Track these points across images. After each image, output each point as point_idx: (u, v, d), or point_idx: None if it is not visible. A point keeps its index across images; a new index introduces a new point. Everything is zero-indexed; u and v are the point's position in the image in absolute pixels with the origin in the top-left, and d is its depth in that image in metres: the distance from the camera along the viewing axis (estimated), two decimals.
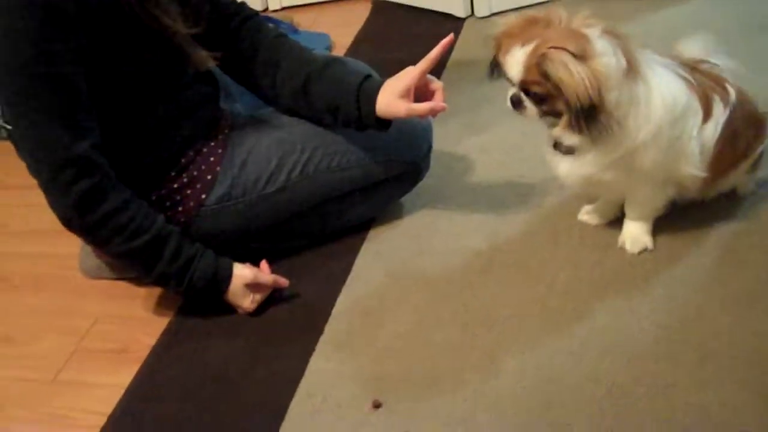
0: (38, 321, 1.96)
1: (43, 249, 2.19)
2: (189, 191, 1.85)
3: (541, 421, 1.51)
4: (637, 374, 1.57)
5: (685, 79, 1.72)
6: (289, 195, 1.91)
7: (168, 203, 1.83)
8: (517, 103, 1.70)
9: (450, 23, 3.05)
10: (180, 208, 1.84)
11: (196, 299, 1.83)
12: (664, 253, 1.85)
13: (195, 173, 1.85)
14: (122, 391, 1.72)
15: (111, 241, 1.72)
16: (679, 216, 1.90)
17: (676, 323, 1.67)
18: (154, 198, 1.82)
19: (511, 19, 1.70)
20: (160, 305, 1.93)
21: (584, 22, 1.64)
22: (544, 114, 1.70)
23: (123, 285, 2.01)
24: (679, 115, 1.69)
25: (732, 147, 1.79)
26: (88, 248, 2.00)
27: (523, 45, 1.63)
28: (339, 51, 2.95)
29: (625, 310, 1.72)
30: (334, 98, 1.86)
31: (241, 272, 1.81)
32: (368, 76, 1.87)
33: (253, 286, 1.82)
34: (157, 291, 1.95)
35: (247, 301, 1.83)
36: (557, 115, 1.68)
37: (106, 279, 2.03)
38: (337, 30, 3.12)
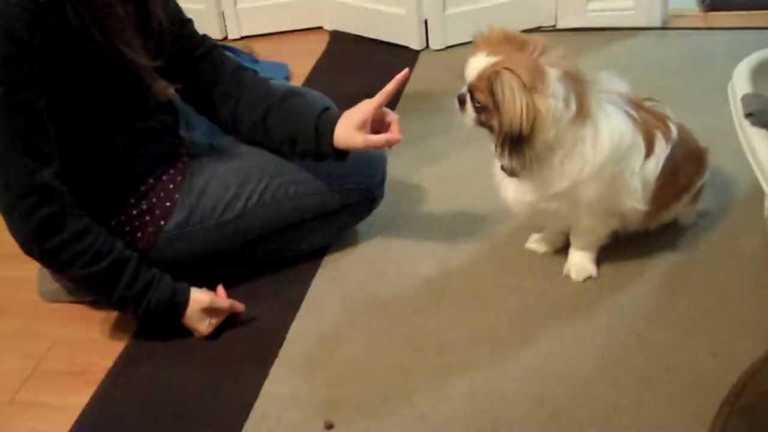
0: None
1: (0, 272, 2.20)
2: (148, 217, 1.88)
3: None
4: (580, 398, 1.63)
5: (631, 117, 1.80)
6: (246, 222, 1.96)
7: (127, 229, 1.87)
8: (461, 102, 1.77)
9: (406, 54, 3.13)
10: (139, 234, 1.88)
11: (153, 322, 1.86)
12: (607, 282, 1.92)
13: (154, 200, 1.89)
14: (79, 412, 1.74)
15: (71, 266, 1.75)
16: (623, 246, 1.97)
17: (618, 349, 1.74)
18: (113, 224, 1.85)
19: (497, 28, 1.75)
20: (117, 328, 1.95)
21: (554, 59, 1.71)
22: (479, 123, 1.76)
23: (80, 308, 2.03)
24: (623, 153, 1.77)
25: (673, 181, 1.87)
26: (46, 272, 2.02)
27: (488, 55, 1.70)
28: (297, 80, 3.01)
29: (569, 336, 1.78)
30: (292, 130, 1.92)
31: (198, 297, 1.85)
32: (326, 109, 1.93)
33: (209, 311, 1.86)
34: (114, 314, 1.98)
35: (204, 325, 1.86)
36: (491, 129, 1.75)
37: (63, 302, 2.04)
38: (296, 60, 3.17)
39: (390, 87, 1.88)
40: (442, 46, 3.14)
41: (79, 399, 1.77)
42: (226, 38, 3.42)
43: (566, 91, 1.69)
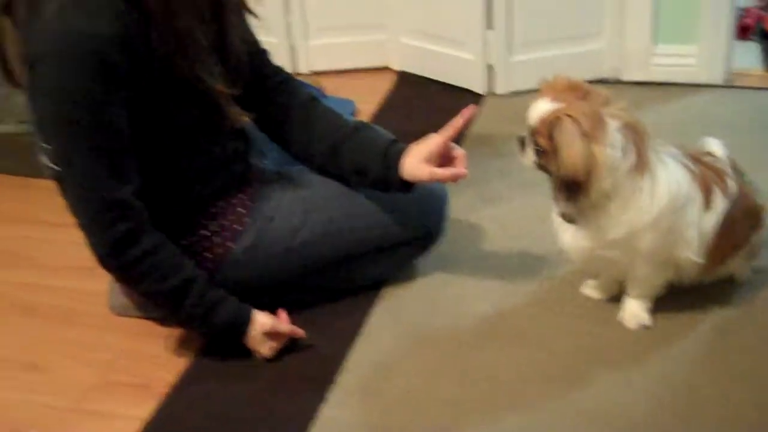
0: (65, 351, 2.05)
1: (74, 284, 2.29)
2: (217, 239, 1.96)
3: None
4: None
5: (689, 170, 1.85)
6: (310, 250, 2.02)
7: (197, 249, 1.94)
8: (522, 144, 1.84)
9: (470, 98, 3.17)
10: (208, 255, 1.95)
11: (217, 341, 1.94)
12: (660, 331, 1.95)
13: (224, 223, 1.97)
14: (141, 424, 1.80)
15: (142, 281, 1.83)
16: (678, 297, 2.00)
17: (668, 396, 1.77)
18: (184, 243, 1.92)
19: (562, 76, 1.81)
20: (182, 345, 2.02)
21: (615, 110, 1.77)
22: (538, 166, 1.83)
23: (148, 324, 2.10)
24: (681, 204, 1.81)
25: (730, 236, 1.91)
26: (117, 286, 2.10)
27: (551, 100, 1.76)
28: (363, 118, 3.06)
29: (620, 381, 1.82)
30: (362, 160, 1.99)
31: (261, 320, 1.91)
32: (394, 141, 2.00)
33: (271, 334, 1.93)
34: (179, 331, 2.05)
35: (265, 348, 1.93)
36: (549, 173, 1.80)
37: (132, 317, 2.13)
38: (362, 97, 3.25)
39: (458, 121, 1.94)
40: (506, 92, 3.20)
41: (142, 411, 1.84)
42: (295, 73, 3.51)
43: (625, 142, 1.74)
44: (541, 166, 1.82)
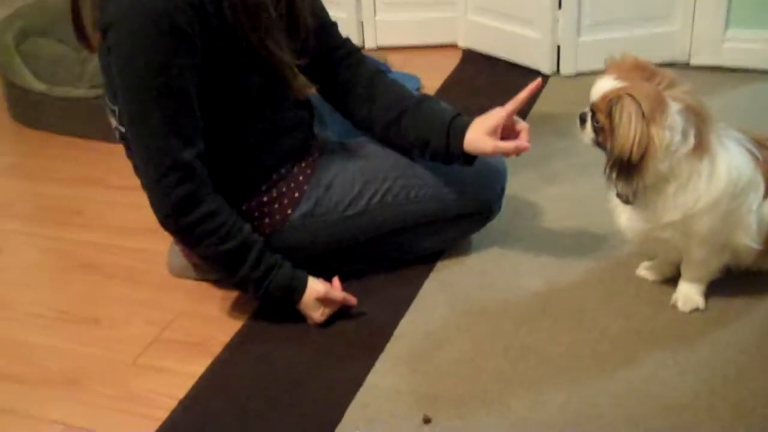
0: (125, 308, 2.12)
1: (136, 245, 2.36)
2: (276, 205, 1.99)
3: None
4: (674, 423, 1.66)
5: (753, 155, 1.82)
6: (366, 220, 2.05)
7: (256, 214, 1.98)
8: (582, 120, 1.84)
9: (536, 78, 3.16)
10: (266, 221, 1.99)
11: (271, 305, 1.98)
12: (713, 315, 1.93)
13: (284, 189, 2.00)
14: (195, 380, 1.85)
15: (200, 243, 1.87)
16: (733, 282, 1.98)
17: (718, 380, 1.75)
18: (243, 208, 1.96)
19: (630, 55, 1.81)
20: (237, 307, 2.07)
21: (679, 93, 1.75)
22: (595, 143, 1.82)
23: (205, 285, 2.16)
24: (741, 189, 1.79)
25: None
26: (177, 249, 2.16)
27: (615, 78, 1.76)
28: (428, 93, 3.08)
29: (670, 363, 1.81)
30: (425, 132, 2.00)
31: (315, 286, 1.94)
32: (459, 114, 2.01)
33: (324, 301, 1.96)
34: (234, 294, 2.10)
35: (317, 313, 1.96)
36: (604, 150, 1.80)
37: (190, 279, 2.18)
38: (427, 74, 3.26)
39: (523, 94, 1.94)
40: (573, 73, 3.18)
41: (196, 368, 1.89)
42: (362, 47, 3.54)
43: (686, 125, 1.72)
44: (599, 144, 1.81)
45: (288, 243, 2.01)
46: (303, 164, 2.03)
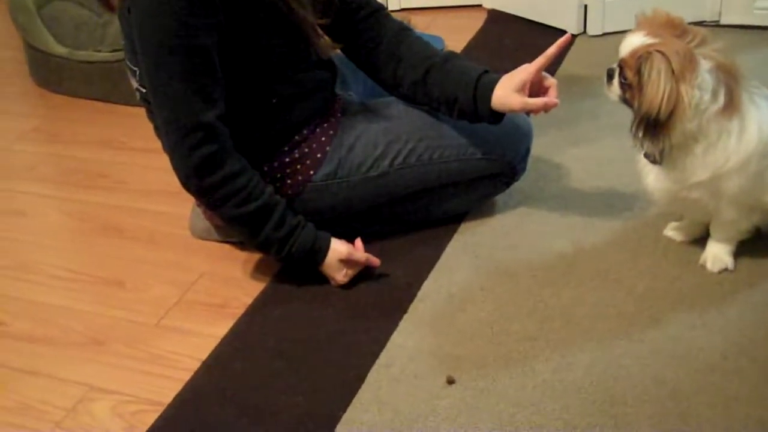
0: (148, 271, 2.12)
1: (158, 207, 2.35)
2: (299, 166, 1.97)
3: (605, 414, 1.59)
4: (701, 384, 1.64)
5: None
6: (389, 180, 2.03)
7: (278, 175, 1.96)
8: (610, 76, 1.80)
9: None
10: (288, 182, 1.97)
11: (294, 266, 1.96)
12: (742, 276, 1.90)
13: (306, 150, 1.98)
14: (217, 342, 1.85)
15: (224, 204, 1.85)
16: (763, 244, 1.95)
17: (746, 342, 1.73)
18: (265, 169, 1.95)
19: (662, 11, 1.77)
20: (259, 269, 2.06)
21: (710, 51, 1.71)
22: (622, 99, 1.79)
23: (227, 248, 2.15)
24: None
25: None
26: (199, 211, 2.15)
27: (646, 35, 1.72)
28: None
29: (698, 323, 1.78)
30: (452, 90, 1.97)
31: (338, 247, 1.93)
32: (486, 71, 1.97)
33: (347, 262, 1.94)
34: (256, 256, 2.09)
35: (340, 275, 1.95)
36: (631, 107, 1.76)
37: (212, 240, 2.18)
38: (452, 35, 3.20)
39: (552, 50, 1.90)
40: (600, 33, 3.13)
41: (219, 329, 1.88)
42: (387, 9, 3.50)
43: (716, 83, 1.68)
44: (626, 101, 1.78)
45: (310, 205, 1.99)
46: (325, 125, 2.01)
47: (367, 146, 2.01)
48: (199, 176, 1.82)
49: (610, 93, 1.80)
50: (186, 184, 1.86)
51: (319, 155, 1.99)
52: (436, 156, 2.04)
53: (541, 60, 1.90)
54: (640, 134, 1.73)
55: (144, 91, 1.88)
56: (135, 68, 1.90)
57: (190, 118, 1.78)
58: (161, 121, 1.82)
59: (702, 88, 1.67)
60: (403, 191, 2.06)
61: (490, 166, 2.09)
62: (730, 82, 1.71)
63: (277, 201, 1.89)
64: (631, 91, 1.74)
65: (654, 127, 1.69)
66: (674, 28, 1.74)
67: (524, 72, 1.90)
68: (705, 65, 1.68)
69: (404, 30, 2.09)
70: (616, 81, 1.77)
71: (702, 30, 1.75)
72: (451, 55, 2.06)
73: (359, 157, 2.00)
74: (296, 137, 1.97)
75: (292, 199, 1.98)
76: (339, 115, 2.05)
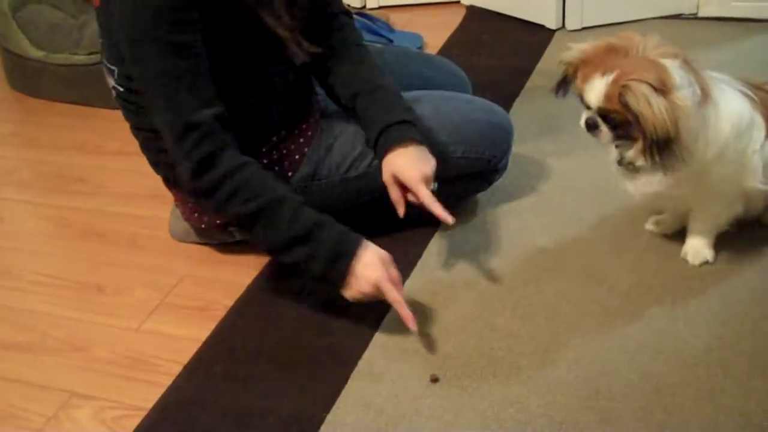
0: (128, 275, 2.09)
1: (137, 211, 2.33)
2: (276, 168, 1.96)
3: (590, 410, 1.58)
4: (687, 378, 1.64)
5: (749, 97, 1.79)
6: (369, 181, 2.01)
7: None
8: (592, 127, 1.77)
9: (541, 33, 3.13)
10: None
11: (318, 270, 1.75)
12: (724, 268, 1.91)
13: (284, 151, 1.97)
14: (199, 345, 1.83)
15: (229, 202, 1.75)
16: (742, 234, 1.95)
17: (730, 334, 1.73)
18: None
19: (588, 45, 1.75)
20: (240, 271, 2.05)
21: (660, 51, 1.70)
22: (617, 138, 1.76)
23: (208, 250, 2.14)
24: (743, 130, 1.76)
25: None
26: (178, 213, 2.13)
27: (603, 74, 1.68)
28: (431, 52, 3.05)
29: (681, 317, 1.78)
30: (365, 123, 1.96)
31: (375, 247, 1.77)
32: (404, 121, 1.91)
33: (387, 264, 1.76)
34: (238, 257, 2.08)
35: (379, 272, 1.72)
36: (631, 139, 1.74)
37: (192, 243, 2.16)
38: (431, 32, 3.22)
39: (432, 208, 1.84)
40: (578, 27, 3.12)
41: (200, 333, 1.87)
42: (364, 6, 3.49)
43: (688, 77, 1.68)
44: (622, 137, 1.75)
45: None
46: (303, 126, 2.00)
47: (346, 147, 2.00)
48: (198, 175, 1.74)
49: (601, 140, 1.78)
50: (189, 187, 1.79)
51: (297, 156, 1.97)
52: None
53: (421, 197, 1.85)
54: (657, 157, 1.69)
55: (121, 89, 1.87)
56: (113, 67, 1.88)
57: (185, 118, 1.73)
58: (159, 122, 1.78)
59: (684, 86, 1.66)
60: (381, 192, 2.04)
61: (471, 165, 2.08)
62: (695, 72, 1.71)
63: (290, 197, 1.77)
64: (625, 127, 1.72)
65: (666, 143, 1.67)
66: (613, 51, 1.72)
67: (427, 174, 1.86)
68: (672, 64, 1.67)
69: (358, 46, 2.05)
70: (604, 128, 1.75)
71: (629, 33, 1.74)
72: (385, 85, 1.99)
73: (337, 158, 1.99)
74: (274, 138, 1.96)
75: None
76: (318, 116, 2.04)
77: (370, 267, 1.72)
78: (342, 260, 1.72)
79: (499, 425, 1.58)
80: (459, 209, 2.15)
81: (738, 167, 1.78)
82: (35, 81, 3.03)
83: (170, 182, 2.03)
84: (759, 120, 1.78)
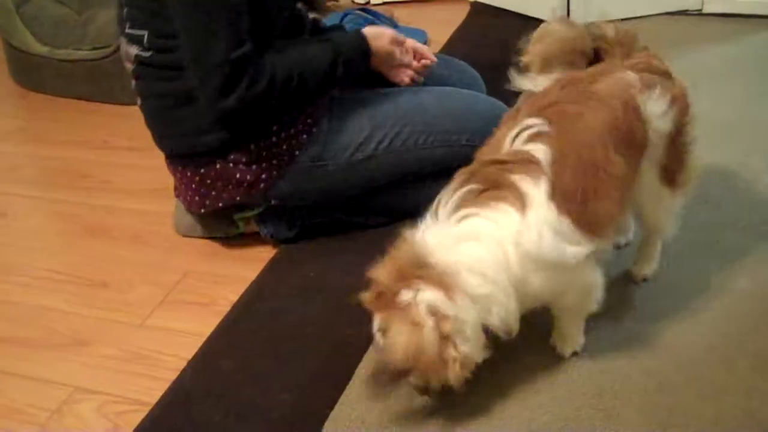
0: (132, 270, 2.10)
1: (142, 206, 2.34)
2: (285, 146, 1.98)
3: (593, 407, 1.58)
4: (690, 375, 1.63)
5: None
6: (374, 165, 2.04)
7: (264, 154, 1.97)
8: None
9: None
10: (275, 162, 1.98)
11: (359, 64, 2.04)
12: (729, 267, 1.90)
13: (292, 131, 1.99)
14: (203, 340, 1.84)
15: (283, 93, 1.90)
16: (742, 235, 1.95)
17: (734, 332, 1.73)
18: (253, 148, 1.96)
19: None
20: (244, 266, 2.05)
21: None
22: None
23: (212, 245, 2.14)
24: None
25: None
26: (182, 207, 2.14)
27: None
28: (435, 47, 3.04)
29: (686, 315, 1.78)
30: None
31: (377, 29, 2.10)
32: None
33: (396, 42, 2.10)
34: (242, 253, 2.09)
35: (398, 51, 2.10)
36: None
37: (197, 237, 2.16)
38: (435, 28, 3.21)
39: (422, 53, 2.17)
40: (583, 23, 3.12)
41: (205, 328, 1.87)
42: (368, 2, 3.49)
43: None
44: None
45: (296, 186, 2.01)
46: (313, 108, 2.02)
47: (353, 130, 2.03)
48: (244, 106, 1.86)
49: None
50: (233, 113, 1.87)
51: (305, 136, 2.00)
52: (421, 141, 2.05)
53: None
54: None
55: (148, 55, 1.92)
56: (141, 32, 1.92)
57: (222, 55, 1.80)
58: (193, 59, 1.84)
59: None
60: (387, 177, 2.07)
61: (473, 154, 2.09)
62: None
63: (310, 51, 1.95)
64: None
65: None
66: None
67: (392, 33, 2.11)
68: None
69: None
70: None
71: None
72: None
73: (345, 140, 2.02)
74: (286, 117, 1.98)
75: (279, 180, 1.99)
76: (326, 99, 2.07)
77: (377, 37, 2.07)
78: (363, 50, 2.04)
79: (503, 422, 1.58)
80: None
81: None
82: (39, 76, 3.04)
83: (174, 158, 2.04)
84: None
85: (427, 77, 2.22)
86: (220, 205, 2.03)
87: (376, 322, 1.51)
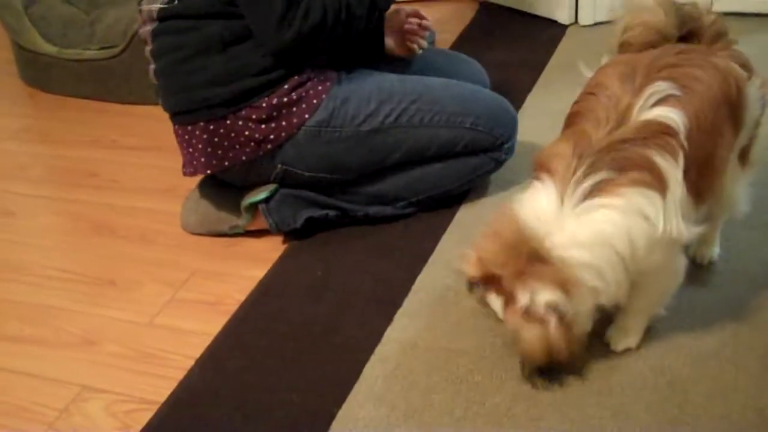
0: (140, 269, 2.10)
1: (149, 205, 2.34)
2: (294, 108, 1.99)
3: (602, 404, 1.58)
4: (700, 373, 1.63)
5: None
6: (380, 139, 2.06)
7: (274, 113, 1.98)
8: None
9: (553, 29, 3.12)
10: (283, 123, 1.99)
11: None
12: (739, 263, 1.89)
13: (303, 94, 2.00)
14: (211, 340, 1.83)
15: (332, 21, 1.94)
16: (753, 233, 1.94)
17: (745, 329, 1.72)
18: (263, 105, 1.97)
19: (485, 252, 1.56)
20: (252, 265, 2.05)
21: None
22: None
23: (219, 244, 2.14)
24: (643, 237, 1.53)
25: None
26: (189, 205, 2.15)
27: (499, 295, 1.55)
28: (443, 46, 3.03)
29: (697, 313, 1.77)
30: None
31: None
32: None
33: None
34: (249, 251, 2.09)
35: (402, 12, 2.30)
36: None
37: (205, 235, 2.16)
38: (444, 26, 3.21)
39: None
40: (591, 23, 3.11)
41: (212, 327, 1.87)
42: None
43: None
44: None
45: (302, 150, 2.03)
46: (325, 75, 2.04)
47: (361, 101, 2.05)
48: (300, 35, 1.92)
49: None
50: (283, 42, 1.92)
51: (315, 101, 2.02)
52: (427, 119, 2.07)
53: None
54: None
55: (172, 5, 1.96)
56: None
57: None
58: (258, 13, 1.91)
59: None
60: (392, 153, 2.08)
61: (479, 138, 2.12)
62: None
63: None
64: None
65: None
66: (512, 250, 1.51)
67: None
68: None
69: None
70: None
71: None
72: None
73: (352, 110, 2.04)
74: (296, 77, 1.99)
75: (285, 143, 2.01)
76: (336, 72, 2.08)
77: None
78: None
79: (512, 421, 1.57)
80: (471, 204, 2.18)
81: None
82: (47, 76, 3.04)
83: (182, 115, 2.03)
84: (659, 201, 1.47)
85: (432, 70, 2.23)
86: (226, 164, 2.02)
87: (493, 301, 1.56)
